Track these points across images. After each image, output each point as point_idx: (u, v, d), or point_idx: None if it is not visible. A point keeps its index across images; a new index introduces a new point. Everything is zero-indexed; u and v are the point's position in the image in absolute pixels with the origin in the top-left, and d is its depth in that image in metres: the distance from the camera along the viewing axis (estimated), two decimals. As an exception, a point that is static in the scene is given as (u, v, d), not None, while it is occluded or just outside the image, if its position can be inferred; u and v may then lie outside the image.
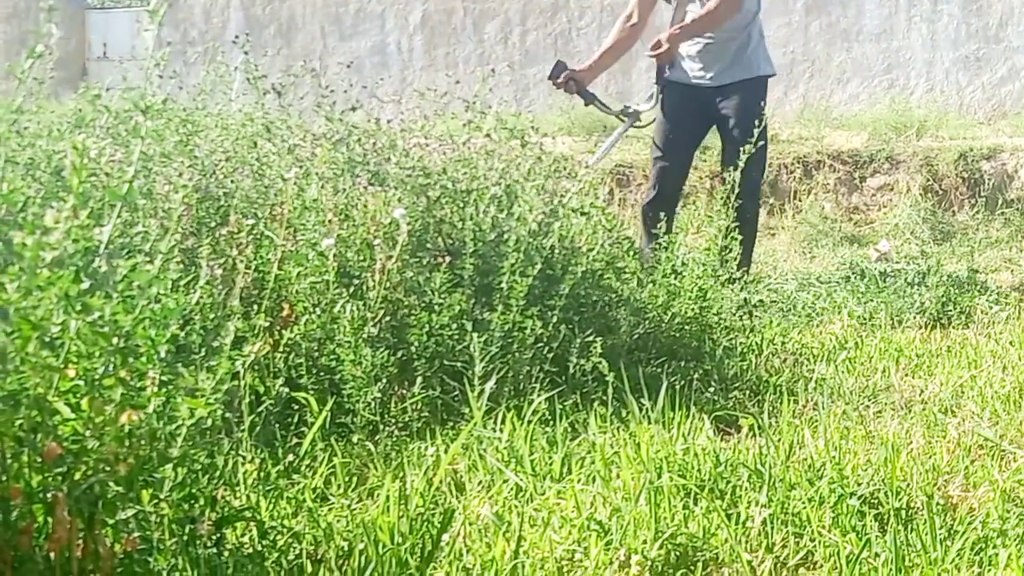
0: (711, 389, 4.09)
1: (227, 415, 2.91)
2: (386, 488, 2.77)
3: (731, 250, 5.08)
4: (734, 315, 5.02)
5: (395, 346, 3.73)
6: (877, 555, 2.64)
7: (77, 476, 2.14)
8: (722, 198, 5.48)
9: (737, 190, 5.72)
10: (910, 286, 5.93)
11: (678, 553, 2.70)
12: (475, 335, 3.60)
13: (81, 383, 2.13)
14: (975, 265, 6.64)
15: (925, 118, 11.16)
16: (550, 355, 3.93)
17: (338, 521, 2.77)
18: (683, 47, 6.07)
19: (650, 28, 6.39)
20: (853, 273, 6.53)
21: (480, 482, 3.13)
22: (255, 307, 3.65)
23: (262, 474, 2.99)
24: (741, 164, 5.45)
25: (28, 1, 16.79)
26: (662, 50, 5.84)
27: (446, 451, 3.15)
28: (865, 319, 5.39)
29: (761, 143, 5.63)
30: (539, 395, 3.60)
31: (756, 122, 5.65)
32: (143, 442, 2.20)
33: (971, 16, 13.66)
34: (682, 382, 4.07)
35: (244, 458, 3.02)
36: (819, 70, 14.15)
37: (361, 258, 3.87)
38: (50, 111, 4.71)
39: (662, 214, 5.05)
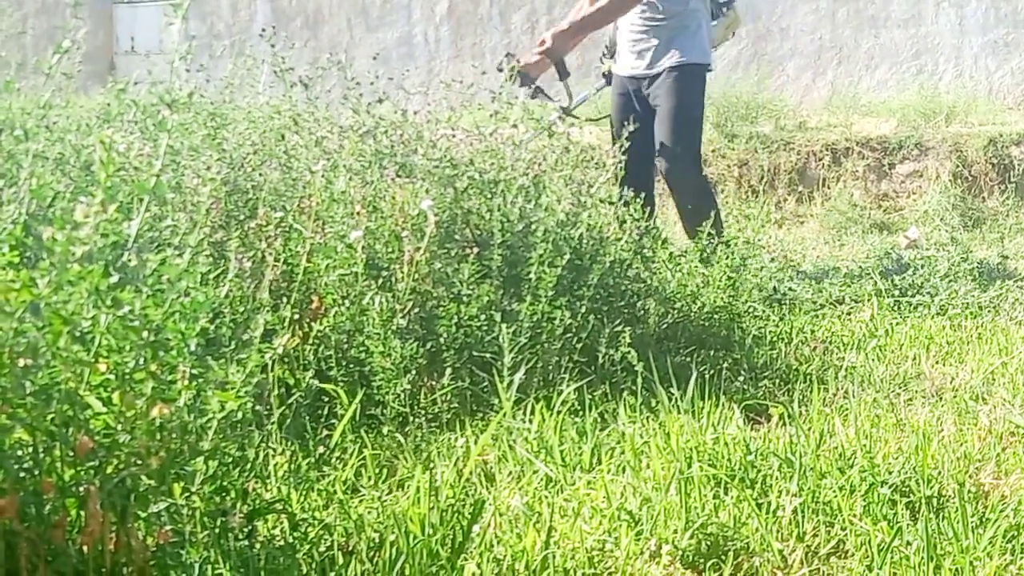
0: (740, 378, 4.08)
1: (257, 408, 2.91)
2: (416, 479, 2.77)
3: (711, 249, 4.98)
4: (763, 303, 5.00)
5: (424, 337, 3.73)
6: (908, 544, 2.63)
7: (109, 470, 2.15)
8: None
9: (672, 186, 5.84)
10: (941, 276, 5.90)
11: (709, 543, 2.70)
12: (504, 326, 3.60)
13: (112, 377, 2.14)
14: (1005, 251, 6.61)
15: (954, 104, 11.11)
16: (579, 345, 3.93)
17: (369, 513, 2.78)
18: (621, 39, 5.99)
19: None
20: (883, 260, 6.50)
21: (510, 473, 3.13)
22: (284, 300, 3.66)
23: (293, 466, 3.00)
24: (667, 157, 5.55)
25: (56, -4, 16.86)
26: (545, 48, 5.62)
27: (476, 442, 3.15)
28: (895, 307, 5.37)
29: (693, 131, 5.68)
30: (568, 385, 3.59)
31: (686, 109, 5.64)
32: (174, 435, 2.21)
33: (1000, 1, 13.59)
34: (711, 371, 4.06)
35: (275, 450, 3.04)
36: (847, 56, 14.10)
37: (389, 250, 3.87)
38: (78, 106, 4.73)
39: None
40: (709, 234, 4.92)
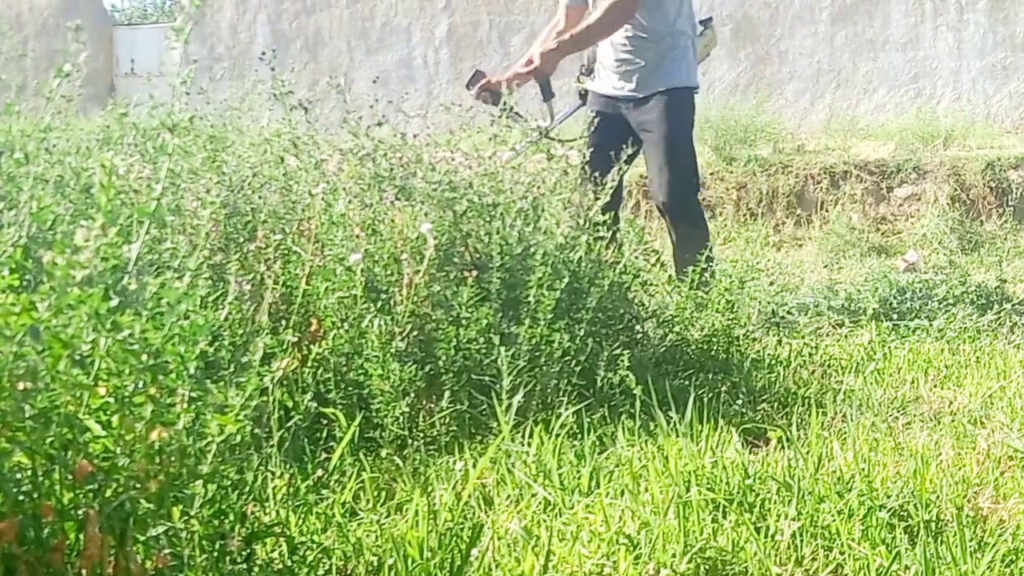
0: (739, 401, 4.08)
1: (256, 431, 2.91)
2: (415, 503, 2.77)
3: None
4: (761, 327, 5.00)
5: (423, 360, 3.73)
6: (907, 568, 2.63)
7: (108, 493, 2.15)
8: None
9: (667, 215, 5.65)
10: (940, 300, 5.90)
11: (707, 567, 2.69)
12: (503, 349, 3.60)
13: (111, 400, 2.14)
14: (1003, 275, 6.61)
15: (952, 127, 11.16)
16: (578, 368, 3.93)
17: (367, 536, 2.77)
18: (603, 58, 5.80)
19: None
20: (881, 284, 6.50)
21: (508, 496, 3.12)
22: (283, 322, 3.67)
23: (291, 489, 2.99)
24: (662, 185, 5.42)
25: (56, 18, 16.91)
26: (532, 67, 5.47)
27: (474, 465, 3.14)
28: (893, 330, 5.37)
29: (687, 158, 5.52)
30: (567, 408, 3.60)
31: (679, 136, 5.51)
32: (173, 459, 2.21)
33: (997, 25, 13.64)
34: (710, 394, 4.06)
35: (273, 474, 3.03)
36: (845, 80, 14.15)
37: (388, 273, 3.88)
38: (78, 128, 4.73)
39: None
40: (704, 268, 4.86)
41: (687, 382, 4.22)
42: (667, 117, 5.59)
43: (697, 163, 5.78)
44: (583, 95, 5.90)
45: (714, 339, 4.59)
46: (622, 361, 3.80)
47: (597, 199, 4.38)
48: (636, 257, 4.47)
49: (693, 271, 4.76)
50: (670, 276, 4.86)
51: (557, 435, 3.36)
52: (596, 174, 4.54)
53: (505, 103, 4.76)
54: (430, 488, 3.12)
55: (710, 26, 6.13)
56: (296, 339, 3.58)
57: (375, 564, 2.60)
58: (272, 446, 3.11)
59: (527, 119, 5.41)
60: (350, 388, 3.63)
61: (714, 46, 6.26)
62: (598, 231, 4.27)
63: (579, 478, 3.17)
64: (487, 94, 5.53)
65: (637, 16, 5.60)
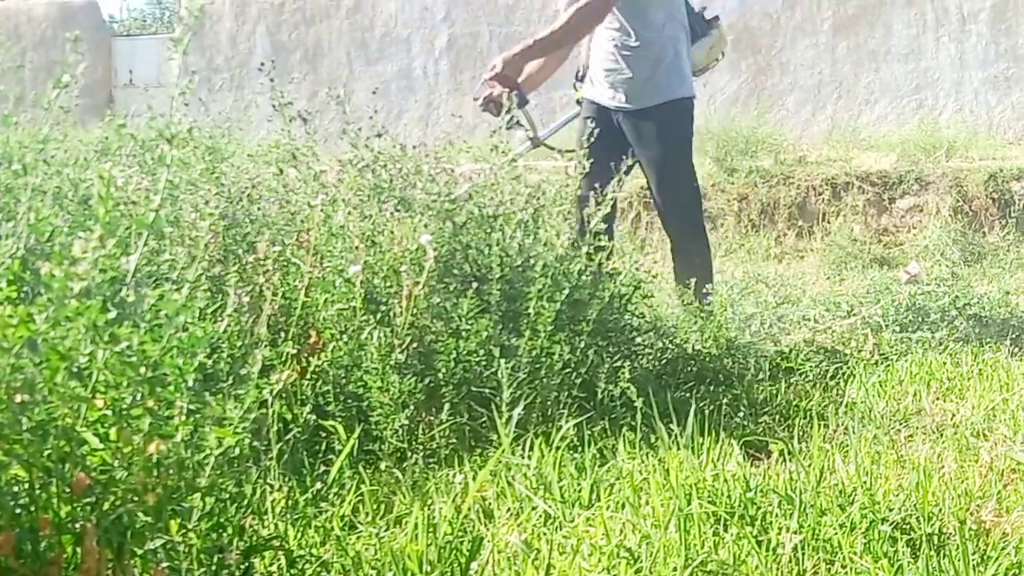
0: (740, 414, 4.07)
1: (255, 443, 2.91)
2: (414, 516, 2.76)
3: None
4: (763, 339, 4.99)
5: (422, 372, 3.72)
6: (909, 582, 2.62)
7: (106, 506, 2.14)
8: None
9: (668, 229, 5.50)
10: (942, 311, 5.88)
11: (708, 580, 2.68)
12: (503, 361, 3.59)
13: (109, 413, 2.14)
14: (1006, 286, 6.61)
15: (954, 138, 11.16)
16: (578, 380, 3.92)
17: (366, 549, 2.76)
18: (592, 66, 5.58)
19: (579, 45, 5.74)
20: (883, 295, 6.48)
21: (509, 509, 3.11)
22: (282, 334, 3.66)
23: (290, 502, 2.98)
24: (663, 200, 5.33)
25: (55, 29, 16.93)
26: (494, 73, 5.21)
27: (474, 478, 3.14)
28: (895, 342, 5.36)
29: (687, 173, 5.41)
30: (567, 421, 3.59)
31: (677, 151, 5.39)
32: (171, 471, 2.20)
33: (1000, 36, 13.65)
34: (711, 407, 4.05)
35: (272, 487, 3.02)
36: (847, 91, 14.16)
37: (388, 284, 3.87)
38: (77, 139, 4.73)
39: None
40: (704, 282, 4.82)
41: (688, 394, 4.21)
42: (663, 132, 5.41)
43: (696, 176, 5.61)
44: (580, 102, 5.70)
45: (715, 351, 4.58)
46: (623, 373, 3.79)
47: (597, 209, 4.33)
48: (636, 269, 4.46)
49: (695, 285, 4.74)
50: (674, 289, 4.84)
51: (557, 448, 3.36)
52: (596, 185, 4.47)
53: (510, 111, 4.69)
54: (430, 501, 3.11)
55: (717, 26, 5.80)
56: (295, 351, 3.57)
57: (374, 578, 2.59)
58: (271, 459, 3.10)
59: (527, 127, 5.32)
60: (349, 400, 3.62)
61: (724, 46, 5.92)
62: (599, 242, 4.24)
63: (580, 491, 3.16)
64: (493, 105, 5.27)
65: (623, 23, 5.41)
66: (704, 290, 4.82)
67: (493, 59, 5.34)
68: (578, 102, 5.71)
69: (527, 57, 5.35)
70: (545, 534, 2.89)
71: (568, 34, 5.38)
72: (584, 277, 4.19)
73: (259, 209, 4.21)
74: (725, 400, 4.19)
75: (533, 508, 3.05)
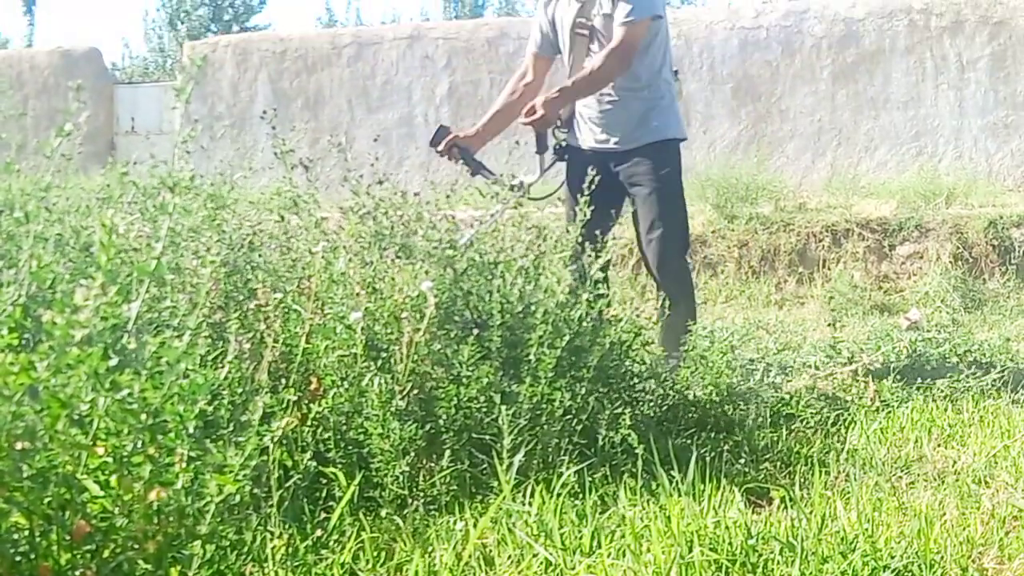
0: (741, 460, 4.06)
1: (255, 491, 2.90)
2: (415, 563, 2.75)
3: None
4: (764, 385, 4.98)
5: (423, 419, 3.71)
6: (912, 630, 2.61)
7: (106, 554, 2.14)
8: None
9: (657, 273, 5.44)
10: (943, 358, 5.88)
11: (710, 628, 2.68)
12: (503, 407, 3.59)
13: (110, 460, 2.14)
14: (1007, 333, 6.60)
15: (954, 186, 11.18)
16: (579, 427, 3.91)
17: (367, 597, 2.76)
18: (583, 110, 5.58)
19: (547, 88, 5.61)
20: (884, 342, 6.48)
21: (509, 557, 3.10)
22: (283, 381, 3.66)
23: (290, 550, 2.98)
24: (654, 242, 5.26)
25: (57, 77, 17.00)
26: (536, 117, 5.21)
27: (475, 525, 3.13)
28: (896, 389, 5.35)
29: (678, 213, 5.39)
30: (568, 468, 3.58)
31: (671, 190, 5.37)
32: (171, 519, 2.20)
33: (999, 83, 13.70)
34: (712, 453, 4.04)
35: (272, 534, 3.02)
36: (847, 138, 14.19)
37: (389, 331, 3.87)
38: (78, 187, 4.74)
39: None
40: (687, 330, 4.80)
41: (689, 441, 4.20)
42: (657, 171, 5.41)
43: (687, 219, 5.65)
44: (558, 150, 5.56)
45: (716, 398, 4.57)
46: (624, 420, 3.79)
47: (597, 257, 4.32)
48: (637, 315, 4.46)
49: (680, 327, 4.74)
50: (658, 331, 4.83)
51: (558, 494, 3.35)
52: (597, 231, 4.47)
53: (481, 164, 4.65)
54: (430, 548, 3.10)
55: (676, 78, 5.81)
56: (296, 398, 3.57)
57: (375, 626, 2.58)
58: (271, 506, 3.09)
59: (499, 177, 5.09)
60: (350, 447, 3.62)
61: (680, 98, 5.85)
62: (599, 289, 4.24)
63: (581, 538, 3.15)
64: (456, 150, 5.37)
65: None
66: (687, 327, 4.80)
67: (533, 100, 5.29)
68: (555, 150, 5.57)
69: (566, 99, 5.39)
70: (546, 582, 2.88)
71: (604, 76, 5.36)
72: (585, 324, 4.19)
73: (260, 256, 4.22)
74: (726, 447, 4.18)
75: (534, 555, 3.04)
